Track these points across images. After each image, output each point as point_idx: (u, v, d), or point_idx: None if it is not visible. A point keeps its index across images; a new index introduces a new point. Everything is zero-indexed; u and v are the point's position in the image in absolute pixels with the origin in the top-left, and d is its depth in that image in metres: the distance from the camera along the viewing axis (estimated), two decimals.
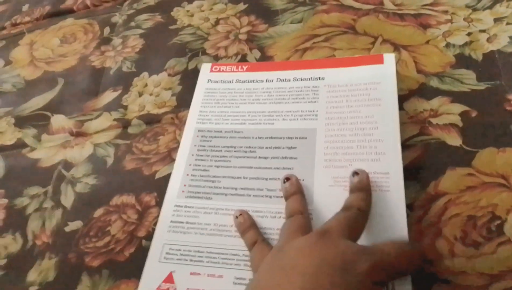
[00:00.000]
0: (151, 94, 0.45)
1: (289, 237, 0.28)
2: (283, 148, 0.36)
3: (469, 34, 0.40)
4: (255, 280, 0.27)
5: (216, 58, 0.46)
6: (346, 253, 0.24)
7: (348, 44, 0.43)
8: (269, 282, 0.24)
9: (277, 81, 0.40)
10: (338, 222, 0.28)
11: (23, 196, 0.41)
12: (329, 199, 0.32)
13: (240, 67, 0.43)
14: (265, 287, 0.24)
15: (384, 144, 0.33)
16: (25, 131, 0.46)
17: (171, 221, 0.34)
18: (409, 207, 0.31)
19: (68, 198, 0.39)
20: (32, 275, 0.35)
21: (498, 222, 0.29)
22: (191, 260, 0.32)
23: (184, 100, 0.43)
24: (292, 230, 0.28)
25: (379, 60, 0.38)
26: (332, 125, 0.36)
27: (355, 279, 0.23)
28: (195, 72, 0.45)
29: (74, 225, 0.37)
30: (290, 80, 0.40)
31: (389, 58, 0.38)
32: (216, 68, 0.43)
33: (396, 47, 0.41)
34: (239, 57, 0.45)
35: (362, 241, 0.28)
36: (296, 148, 0.35)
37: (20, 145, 0.45)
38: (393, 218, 0.29)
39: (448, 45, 0.40)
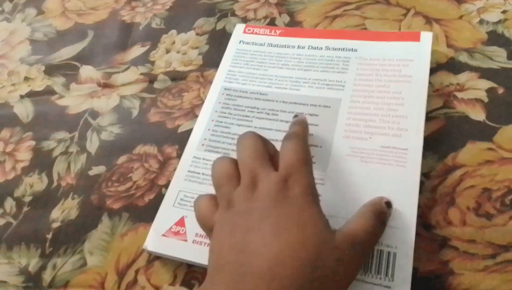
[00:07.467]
0: (178, 52, 0.46)
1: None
2: (306, 114, 0.36)
3: (504, 12, 0.39)
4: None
5: (244, 20, 0.46)
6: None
7: (379, 14, 0.42)
8: None
9: (308, 48, 0.40)
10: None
11: (50, 140, 0.42)
12: (344, 168, 0.32)
13: (274, 31, 0.43)
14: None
15: (407, 120, 0.33)
16: (54, 79, 0.47)
17: (188, 171, 0.35)
18: (425, 175, 0.32)
19: (93, 144, 0.41)
20: (56, 213, 0.37)
21: None
22: None
23: (210, 59, 0.44)
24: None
25: (415, 37, 0.38)
26: (358, 97, 0.36)
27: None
28: (223, 32, 0.46)
29: (97, 169, 0.39)
30: (322, 49, 0.40)
31: (426, 36, 0.38)
32: (249, 30, 0.43)
33: (428, 20, 0.40)
34: (267, 20, 0.45)
35: None
36: (318, 115, 0.35)
37: (49, 92, 0.46)
38: (404, 194, 0.29)
39: (481, 21, 0.39)
